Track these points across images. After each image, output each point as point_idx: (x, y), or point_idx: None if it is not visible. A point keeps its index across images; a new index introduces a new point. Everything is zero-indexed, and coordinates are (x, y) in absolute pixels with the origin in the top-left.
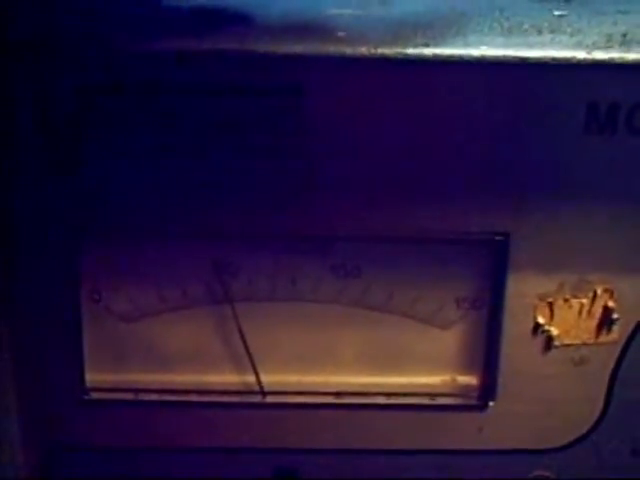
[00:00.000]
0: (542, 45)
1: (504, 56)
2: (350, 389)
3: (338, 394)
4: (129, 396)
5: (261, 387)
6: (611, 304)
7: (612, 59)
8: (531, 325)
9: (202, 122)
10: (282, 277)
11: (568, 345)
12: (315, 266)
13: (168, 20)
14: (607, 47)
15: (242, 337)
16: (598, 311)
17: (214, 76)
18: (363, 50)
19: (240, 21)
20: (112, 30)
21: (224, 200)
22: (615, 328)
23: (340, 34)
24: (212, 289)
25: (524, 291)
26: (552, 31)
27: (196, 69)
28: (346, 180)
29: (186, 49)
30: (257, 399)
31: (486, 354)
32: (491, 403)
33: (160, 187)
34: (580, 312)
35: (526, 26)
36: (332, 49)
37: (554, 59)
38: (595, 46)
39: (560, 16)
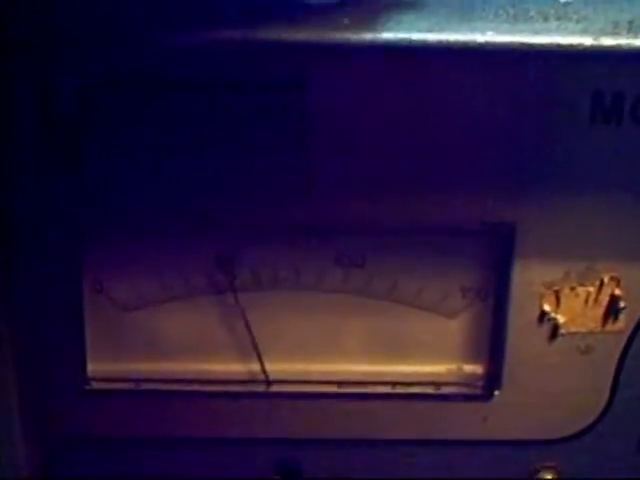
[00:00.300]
0: (548, 32)
1: (509, 42)
2: (354, 378)
3: (342, 383)
4: (131, 386)
5: (266, 376)
6: (618, 292)
7: (619, 46)
8: (537, 313)
9: (204, 118)
10: (286, 267)
11: (574, 333)
12: (319, 256)
13: (166, 14)
14: (614, 34)
15: (247, 326)
16: (605, 299)
17: (216, 70)
18: (367, 36)
19: (240, 11)
20: (111, 28)
21: (228, 192)
22: (622, 317)
23: (344, 21)
24: (215, 279)
25: (530, 279)
26: (558, 18)
27: (197, 63)
28: (350, 171)
29: (186, 43)
30: (261, 388)
31: (492, 343)
32: (496, 392)
33: (163, 180)
34: (586, 300)
35: (532, 13)
36: (336, 36)
37: (560, 46)
38: (602, 33)
39: (566, 3)
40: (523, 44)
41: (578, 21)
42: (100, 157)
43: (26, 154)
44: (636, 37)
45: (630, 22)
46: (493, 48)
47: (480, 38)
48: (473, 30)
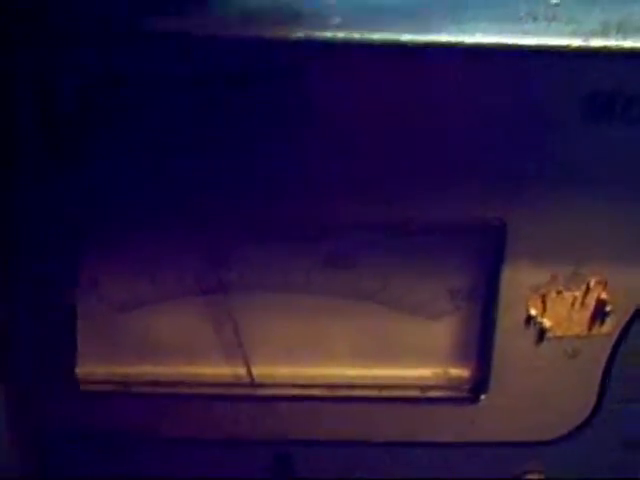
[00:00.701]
0: (537, 33)
1: (499, 43)
2: (342, 381)
3: (329, 386)
4: (121, 388)
5: (252, 379)
6: (604, 296)
7: (609, 47)
8: (524, 317)
9: (198, 117)
10: (275, 268)
11: (561, 337)
12: (308, 257)
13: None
14: (603, 35)
15: (236, 328)
16: (591, 303)
17: (214, 67)
18: (356, 36)
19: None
20: (109, 26)
21: (218, 192)
22: (608, 321)
23: (335, 20)
24: (205, 280)
25: (518, 283)
26: (548, 19)
27: (197, 60)
28: (340, 171)
29: (186, 41)
30: (249, 391)
31: (478, 346)
32: (483, 396)
33: (157, 181)
34: (573, 304)
35: (522, 14)
36: (327, 35)
37: (549, 47)
38: (591, 34)
39: (556, 4)
40: (512, 45)
41: (568, 22)
42: (100, 157)
43: (26, 154)
44: (625, 38)
45: (620, 23)
46: (482, 49)
47: (469, 39)
48: (462, 31)
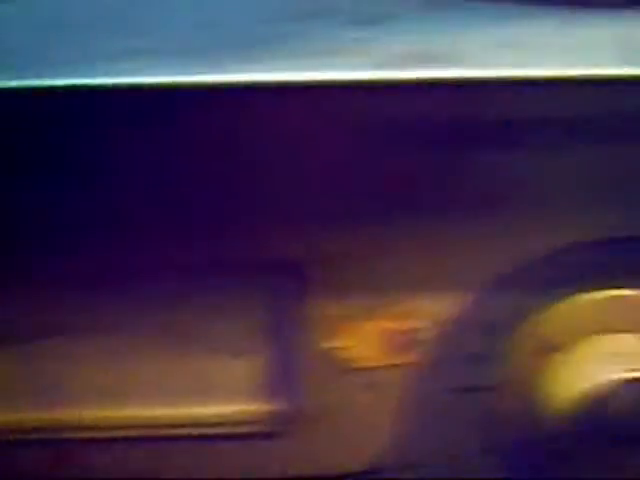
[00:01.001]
0: (331, 67)
1: (290, 81)
2: (147, 422)
3: (135, 427)
4: None
5: (56, 423)
6: (410, 326)
7: (390, 80)
8: (328, 348)
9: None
10: (80, 312)
11: (365, 369)
12: (114, 299)
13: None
14: (388, 66)
15: (50, 373)
16: (397, 333)
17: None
18: (157, 80)
19: None
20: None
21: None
22: (414, 350)
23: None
24: (27, 325)
25: (322, 316)
26: (342, 53)
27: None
28: (143, 214)
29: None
30: (51, 435)
31: (283, 380)
32: (288, 430)
33: None
34: (379, 334)
35: (321, 49)
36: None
37: (327, 81)
38: (375, 66)
39: (356, 39)
40: (287, 82)
41: (361, 55)
42: None
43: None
44: (423, 68)
45: (414, 55)
46: (275, 86)
47: (265, 77)
48: (258, 69)
